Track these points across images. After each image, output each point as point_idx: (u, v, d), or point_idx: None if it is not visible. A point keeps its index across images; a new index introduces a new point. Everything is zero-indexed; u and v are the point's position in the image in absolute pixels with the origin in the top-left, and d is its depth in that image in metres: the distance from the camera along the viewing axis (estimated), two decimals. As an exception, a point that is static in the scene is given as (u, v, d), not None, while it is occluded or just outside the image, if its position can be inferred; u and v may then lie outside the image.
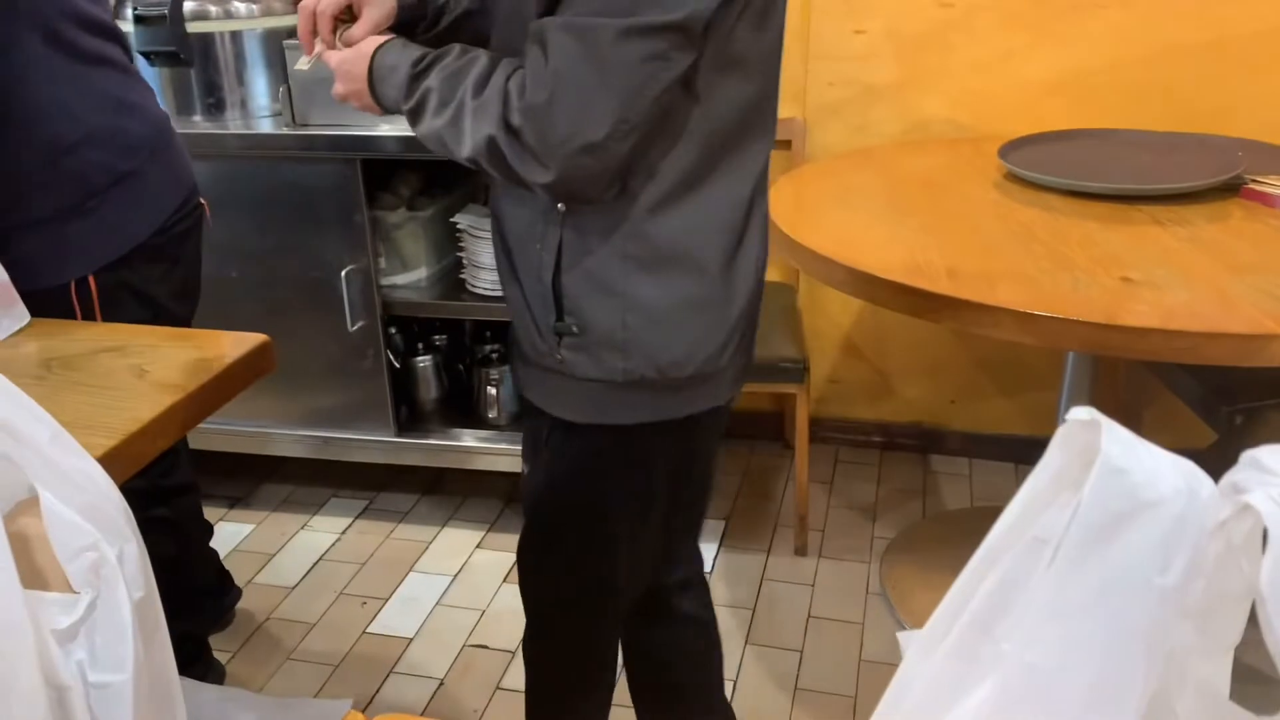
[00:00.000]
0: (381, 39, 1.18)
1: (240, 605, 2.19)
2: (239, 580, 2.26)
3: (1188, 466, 0.37)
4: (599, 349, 1.17)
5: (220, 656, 2.03)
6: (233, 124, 2.28)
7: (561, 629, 1.46)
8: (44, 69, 1.44)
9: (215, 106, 2.28)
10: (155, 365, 1.33)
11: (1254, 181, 1.88)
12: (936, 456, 2.69)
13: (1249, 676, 0.49)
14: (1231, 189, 1.89)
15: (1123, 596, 0.37)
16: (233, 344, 1.43)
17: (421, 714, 1.91)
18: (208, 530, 2.02)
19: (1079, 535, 0.38)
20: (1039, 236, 1.70)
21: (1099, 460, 0.37)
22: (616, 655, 1.54)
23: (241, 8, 2.29)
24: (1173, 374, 2.14)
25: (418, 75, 1.12)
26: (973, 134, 2.38)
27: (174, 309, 1.67)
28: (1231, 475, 0.38)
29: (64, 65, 1.46)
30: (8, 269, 1.32)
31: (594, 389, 1.19)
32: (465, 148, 1.09)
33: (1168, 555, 0.36)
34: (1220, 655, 0.44)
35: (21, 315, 1.35)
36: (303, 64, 1.28)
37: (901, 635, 0.51)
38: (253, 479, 2.64)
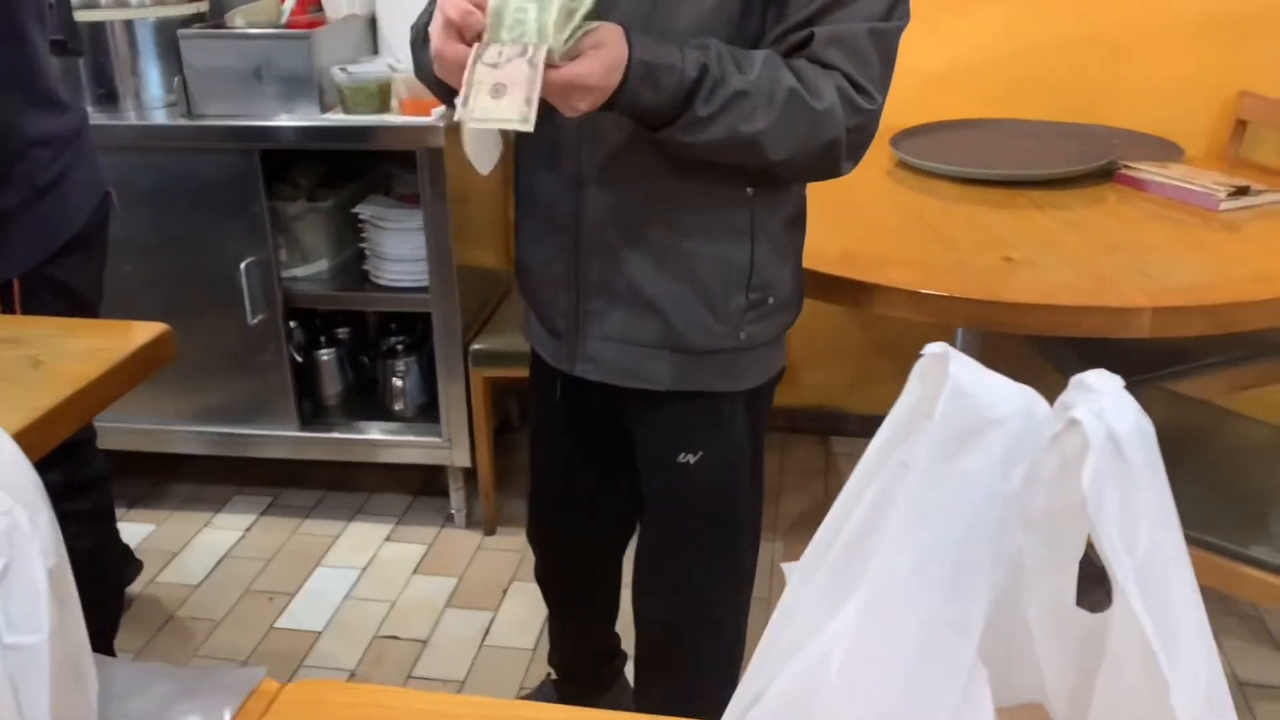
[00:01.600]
0: (617, 28, 1.04)
1: (144, 603, 2.16)
2: (140, 582, 2.23)
3: (1026, 390, 0.42)
4: (779, 312, 1.28)
5: (122, 655, 1.99)
6: (126, 115, 2.23)
7: (734, 594, 1.47)
8: (18, 66, 1.43)
9: (107, 97, 2.24)
10: (52, 356, 1.32)
11: (1126, 167, 1.98)
12: (837, 438, 2.77)
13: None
14: (1107, 174, 2.00)
15: (972, 503, 0.41)
16: (132, 333, 1.42)
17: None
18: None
19: (933, 451, 0.42)
20: (928, 221, 1.78)
21: (948, 385, 0.41)
22: None
23: (133, -5, 2.25)
24: (1059, 353, 2.24)
25: (721, 78, 1.06)
26: (866, 125, 2.45)
27: (90, 297, 1.67)
28: (1063, 396, 0.42)
29: (28, 62, 1.45)
30: None
31: (762, 351, 1.30)
32: (785, 150, 1.11)
33: (1009, 466, 0.41)
34: (1065, 566, 0.49)
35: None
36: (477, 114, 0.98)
37: (785, 565, 0.55)
38: (153, 477, 2.59)
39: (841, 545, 0.49)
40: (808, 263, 1.58)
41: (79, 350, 1.34)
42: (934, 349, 0.43)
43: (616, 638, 1.78)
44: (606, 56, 1.01)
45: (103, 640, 1.87)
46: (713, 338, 1.25)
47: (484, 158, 1.14)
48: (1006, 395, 0.41)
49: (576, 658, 1.77)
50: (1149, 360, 2.06)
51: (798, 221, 1.31)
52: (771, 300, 1.26)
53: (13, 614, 0.63)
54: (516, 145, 1.33)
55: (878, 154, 2.14)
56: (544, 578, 1.69)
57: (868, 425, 2.61)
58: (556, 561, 1.67)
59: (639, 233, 1.22)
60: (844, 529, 0.50)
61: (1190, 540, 1.51)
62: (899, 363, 2.73)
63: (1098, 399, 0.40)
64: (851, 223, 1.80)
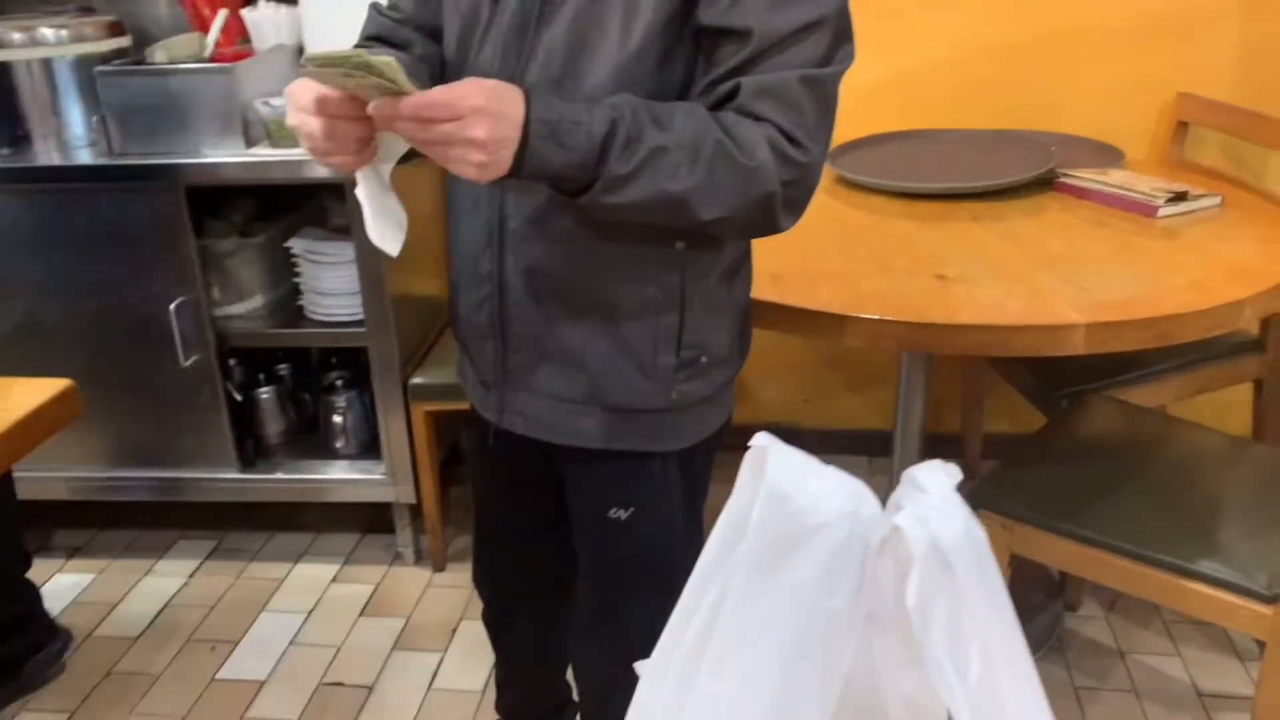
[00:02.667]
0: (512, 86, 0.97)
1: (79, 660, 2.09)
2: (79, 634, 2.16)
3: (855, 488, 0.37)
4: (714, 369, 1.21)
5: (57, 718, 1.93)
6: (45, 156, 2.17)
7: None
8: None
9: (25, 138, 2.17)
10: (-59, 418, 1.26)
11: (1065, 175, 1.95)
12: (794, 456, 2.73)
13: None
14: (1047, 183, 1.97)
15: (794, 621, 0.37)
16: (31, 391, 1.36)
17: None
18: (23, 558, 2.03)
19: (751, 563, 0.37)
20: (862, 238, 1.74)
21: (763, 488, 0.37)
22: None
23: (50, 34, 2.19)
24: (1007, 364, 2.21)
25: (635, 134, 0.98)
26: (807, 138, 2.42)
27: None
28: (895, 493, 0.38)
29: None
30: None
31: (699, 409, 1.23)
32: (719, 208, 1.03)
33: (833, 578, 0.36)
34: (925, 663, 0.44)
35: None
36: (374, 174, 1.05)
37: (636, 665, 0.51)
38: (93, 526, 2.52)
39: (683, 655, 0.45)
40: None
41: (-28, 412, 1.28)
42: (759, 441, 0.39)
43: (567, 688, 1.73)
44: (487, 83, 0.95)
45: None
46: (642, 397, 1.19)
47: (388, 239, 1.08)
48: (830, 497, 0.36)
49: (523, 707, 1.72)
50: (1097, 368, 2.03)
51: (738, 272, 1.24)
52: (705, 359, 1.20)
53: None
54: (445, 186, 1.29)
55: (816, 169, 2.11)
56: (490, 621, 1.64)
57: (825, 441, 2.58)
58: (501, 607, 1.61)
59: (562, 289, 1.16)
60: (686, 635, 0.45)
61: (1136, 556, 1.47)
62: (851, 377, 2.71)
63: (924, 502, 0.36)
64: (784, 243, 1.74)
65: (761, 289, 1.54)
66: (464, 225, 1.22)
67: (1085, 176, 1.94)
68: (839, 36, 1.05)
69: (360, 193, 1.07)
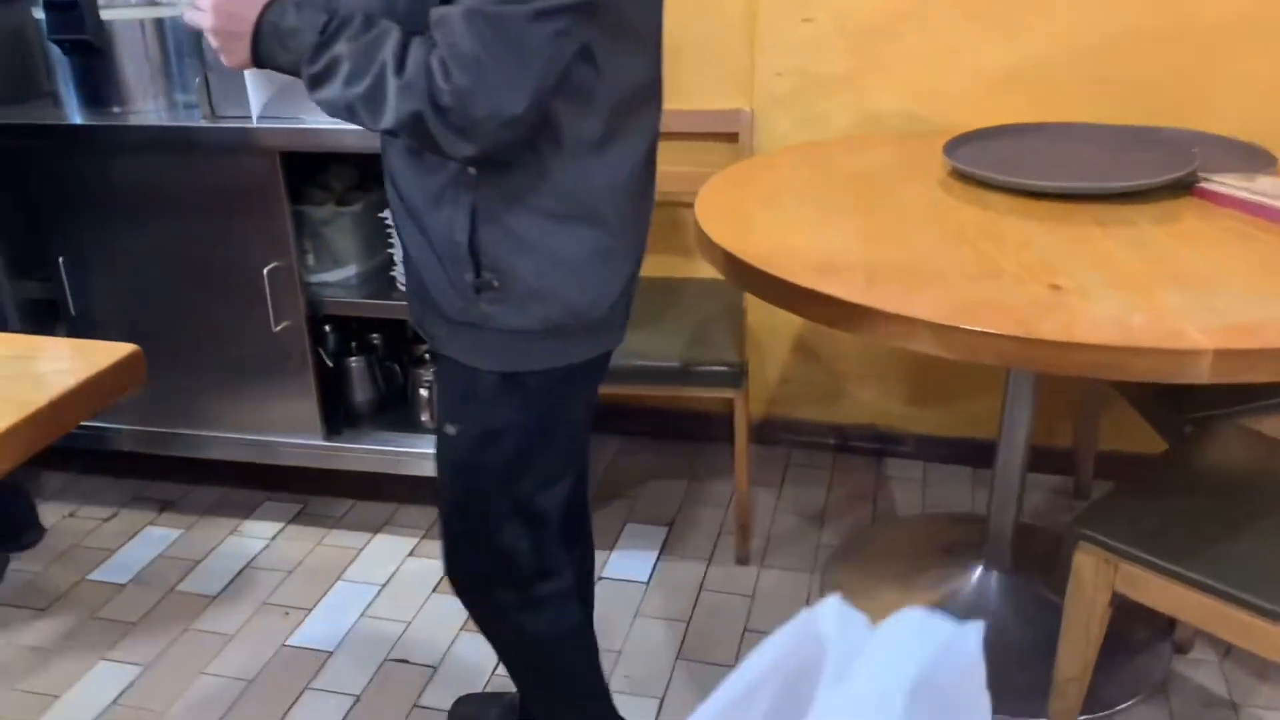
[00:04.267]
0: None
1: (159, 614, 2.12)
2: (159, 589, 2.20)
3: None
4: (521, 300, 1.24)
5: (130, 670, 1.96)
6: (155, 115, 2.19)
7: (529, 581, 1.48)
8: None
9: (132, 98, 2.20)
10: (6, 379, 1.26)
11: (1206, 180, 1.78)
12: (891, 460, 2.60)
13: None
14: (1185, 187, 1.80)
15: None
16: (97, 355, 1.35)
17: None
18: None
19: None
20: (972, 238, 1.61)
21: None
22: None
23: (164, -8, 2.21)
24: (1128, 380, 2.04)
25: (325, 42, 1.12)
26: (926, 127, 2.28)
27: None
28: None
29: None
30: None
31: (518, 339, 1.27)
32: (385, 119, 1.12)
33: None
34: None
35: None
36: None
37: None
38: (186, 481, 2.56)
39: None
40: (825, 285, 1.43)
41: (37, 374, 1.28)
42: (829, 603, 0.30)
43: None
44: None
45: None
46: (455, 309, 1.27)
47: (251, 99, 1.31)
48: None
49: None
50: (1228, 393, 1.86)
51: (563, 220, 1.22)
52: (499, 284, 1.23)
53: None
54: None
55: (930, 162, 1.98)
56: None
57: (924, 446, 2.44)
58: None
59: (401, 189, 1.28)
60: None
61: (1257, 609, 1.31)
62: (957, 382, 2.56)
63: None
64: (885, 240, 1.64)
65: (852, 291, 1.43)
66: None
67: (1228, 182, 1.76)
68: None
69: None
